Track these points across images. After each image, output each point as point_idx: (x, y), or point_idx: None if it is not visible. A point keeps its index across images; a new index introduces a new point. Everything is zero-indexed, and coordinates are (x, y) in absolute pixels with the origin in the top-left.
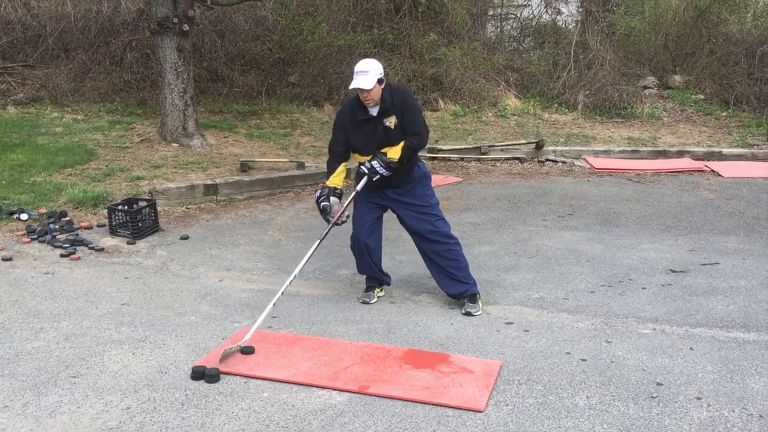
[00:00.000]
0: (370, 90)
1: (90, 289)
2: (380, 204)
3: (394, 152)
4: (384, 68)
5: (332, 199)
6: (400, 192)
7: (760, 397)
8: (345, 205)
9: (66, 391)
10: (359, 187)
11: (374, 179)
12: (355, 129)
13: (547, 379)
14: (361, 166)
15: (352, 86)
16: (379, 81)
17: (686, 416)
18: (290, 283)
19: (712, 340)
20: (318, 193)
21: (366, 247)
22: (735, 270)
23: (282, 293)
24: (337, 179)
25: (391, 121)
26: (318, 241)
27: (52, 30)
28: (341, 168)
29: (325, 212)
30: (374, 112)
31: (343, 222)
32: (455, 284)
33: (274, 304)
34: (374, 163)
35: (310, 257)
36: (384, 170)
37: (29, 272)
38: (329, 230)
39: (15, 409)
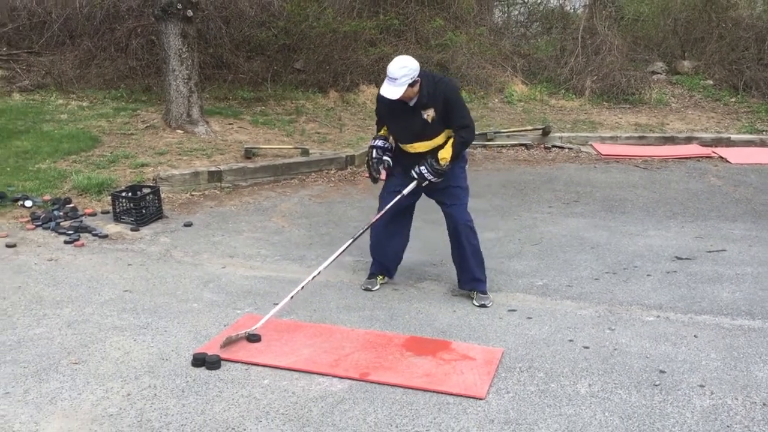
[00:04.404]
0: (398, 99)
1: (93, 276)
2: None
3: (445, 152)
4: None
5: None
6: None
7: (764, 385)
8: (387, 208)
9: (67, 378)
10: (406, 191)
11: (423, 185)
12: (392, 116)
13: (549, 367)
14: (412, 171)
15: (381, 91)
16: (411, 85)
17: (689, 404)
18: (313, 278)
19: (717, 328)
20: (381, 142)
21: (386, 232)
22: (741, 257)
23: (302, 288)
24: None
25: (428, 114)
26: (351, 240)
27: (57, 17)
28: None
29: (379, 162)
30: (411, 102)
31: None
32: (470, 281)
33: (291, 297)
34: (422, 169)
35: (340, 254)
36: (432, 176)
37: (33, 259)
38: (363, 232)
39: (16, 396)
